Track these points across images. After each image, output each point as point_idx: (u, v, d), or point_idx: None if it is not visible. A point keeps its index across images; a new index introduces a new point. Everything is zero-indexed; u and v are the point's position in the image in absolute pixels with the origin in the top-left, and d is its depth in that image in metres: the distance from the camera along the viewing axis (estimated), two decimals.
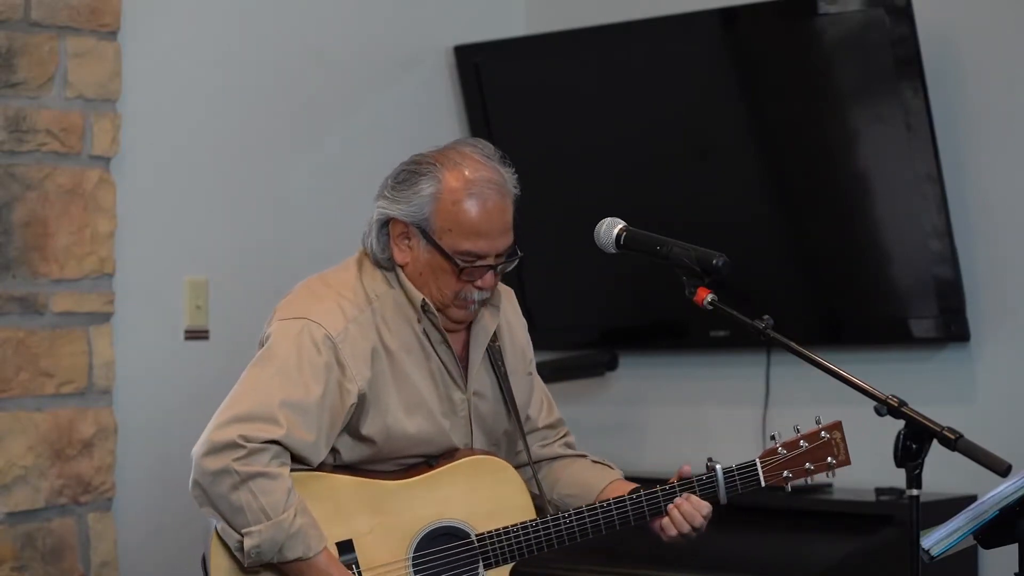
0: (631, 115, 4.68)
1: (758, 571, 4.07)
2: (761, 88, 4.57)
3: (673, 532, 3.04)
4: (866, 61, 4.28)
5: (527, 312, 3.34)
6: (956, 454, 2.54)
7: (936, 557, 2.72)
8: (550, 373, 4.20)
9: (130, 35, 4.19)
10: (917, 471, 2.55)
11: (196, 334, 4.32)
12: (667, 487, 3.04)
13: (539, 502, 3.11)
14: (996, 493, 2.71)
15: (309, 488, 2.94)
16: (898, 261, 4.36)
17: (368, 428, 2.99)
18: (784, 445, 3.06)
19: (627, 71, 4.67)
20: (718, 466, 3.05)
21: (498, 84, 4.88)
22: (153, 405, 4.22)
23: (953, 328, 4.29)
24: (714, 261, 2.85)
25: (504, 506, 3.04)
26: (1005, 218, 4.27)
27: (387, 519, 2.98)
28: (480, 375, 3.10)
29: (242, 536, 2.87)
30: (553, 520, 3.03)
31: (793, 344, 2.75)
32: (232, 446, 2.87)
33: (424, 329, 3.04)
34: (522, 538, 3.02)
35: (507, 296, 3.21)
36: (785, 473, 3.06)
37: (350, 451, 3.01)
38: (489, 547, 3.01)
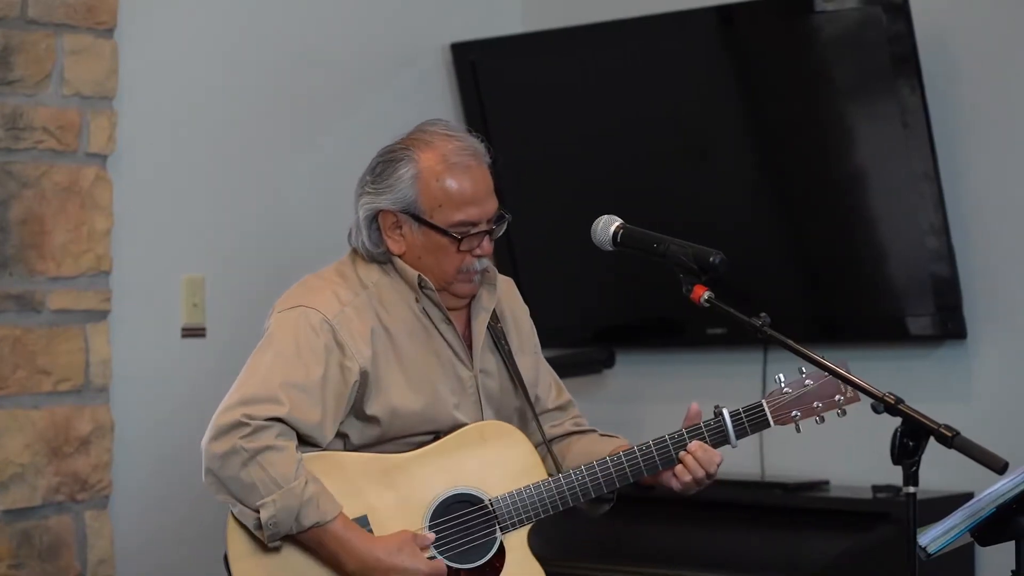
0: (628, 112, 4.68)
1: (755, 568, 4.07)
2: (758, 85, 4.57)
3: (688, 479, 3.02)
4: (863, 59, 4.28)
5: None
6: (953, 451, 2.54)
7: (933, 554, 2.72)
8: None
9: (127, 33, 4.19)
10: (914, 468, 2.55)
11: (193, 332, 4.32)
12: (676, 434, 3.04)
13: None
14: (993, 490, 2.72)
15: (318, 466, 2.94)
16: (895, 259, 4.36)
17: (373, 408, 2.99)
18: (789, 385, 3.04)
19: (624, 69, 4.67)
20: (725, 410, 3.04)
21: (495, 82, 4.88)
22: (150, 403, 4.22)
23: (950, 326, 4.29)
24: (711, 259, 2.85)
25: (515, 469, 3.04)
26: (1001, 216, 4.28)
27: (399, 492, 2.98)
28: (485, 354, 3.12)
29: (258, 512, 2.88)
30: (565, 477, 3.02)
31: (790, 342, 2.75)
32: (236, 425, 2.89)
33: (424, 308, 3.06)
34: (536, 498, 3.01)
35: (508, 284, 3.23)
36: (793, 412, 3.03)
37: (359, 434, 3.02)
38: (504, 510, 3.00)
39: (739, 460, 4.42)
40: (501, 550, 3.00)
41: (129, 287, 4.18)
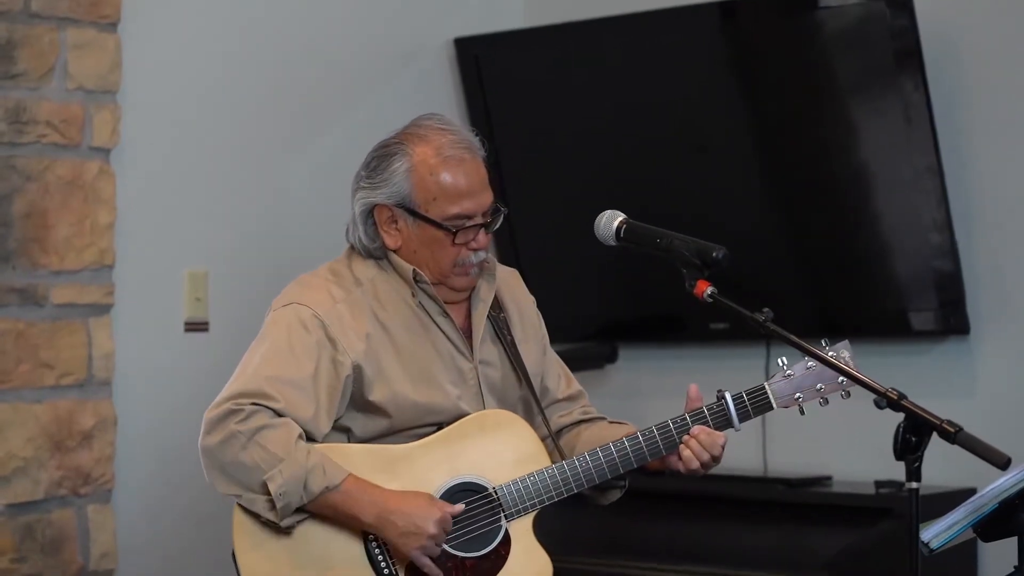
0: (631, 108, 4.68)
1: (758, 563, 4.07)
2: (761, 80, 4.57)
3: (695, 464, 3.02)
4: (866, 54, 4.28)
5: None
6: (956, 447, 2.54)
7: (935, 550, 2.72)
8: None
9: (130, 27, 4.19)
10: (916, 464, 2.55)
11: (196, 326, 4.32)
12: (679, 418, 3.04)
13: None
14: (995, 486, 2.72)
15: None
16: (898, 254, 4.36)
17: (374, 395, 2.99)
18: (792, 368, 3.04)
19: (627, 64, 4.67)
20: (727, 393, 3.04)
21: (498, 76, 4.88)
22: (153, 397, 4.22)
23: (953, 321, 4.29)
24: (714, 254, 2.85)
25: (517, 456, 3.03)
26: (1005, 211, 4.27)
27: (404, 482, 2.97)
28: (486, 345, 3.11)
29: (266, 492, 2.87)
30: (568, 464, 3.02)
31: (793, 337, 2.75)
32: (229, 413, 2.89)
33: (420, 302, 3.06)
34: (540, 485, 3.01)
35: (513, 276, 3.24)
36: (797, 395, 3.03)
37: (363, 427, 3.02)
38: (509, 498, 3.00)
39: (742, 455, 4.44)
40: (507, 538, 3.00)
41: (132, 281, 4.18)
